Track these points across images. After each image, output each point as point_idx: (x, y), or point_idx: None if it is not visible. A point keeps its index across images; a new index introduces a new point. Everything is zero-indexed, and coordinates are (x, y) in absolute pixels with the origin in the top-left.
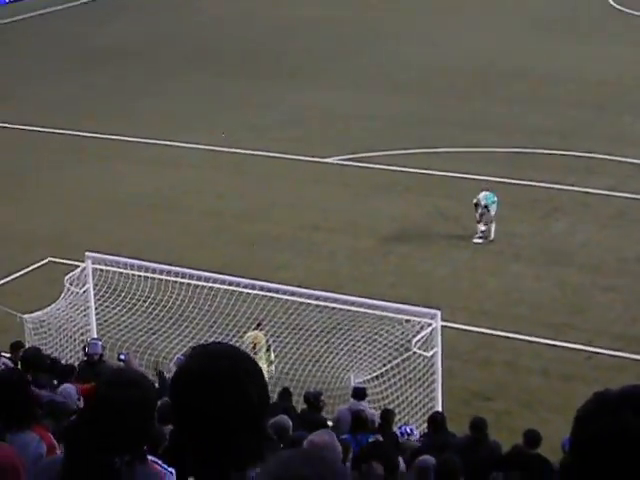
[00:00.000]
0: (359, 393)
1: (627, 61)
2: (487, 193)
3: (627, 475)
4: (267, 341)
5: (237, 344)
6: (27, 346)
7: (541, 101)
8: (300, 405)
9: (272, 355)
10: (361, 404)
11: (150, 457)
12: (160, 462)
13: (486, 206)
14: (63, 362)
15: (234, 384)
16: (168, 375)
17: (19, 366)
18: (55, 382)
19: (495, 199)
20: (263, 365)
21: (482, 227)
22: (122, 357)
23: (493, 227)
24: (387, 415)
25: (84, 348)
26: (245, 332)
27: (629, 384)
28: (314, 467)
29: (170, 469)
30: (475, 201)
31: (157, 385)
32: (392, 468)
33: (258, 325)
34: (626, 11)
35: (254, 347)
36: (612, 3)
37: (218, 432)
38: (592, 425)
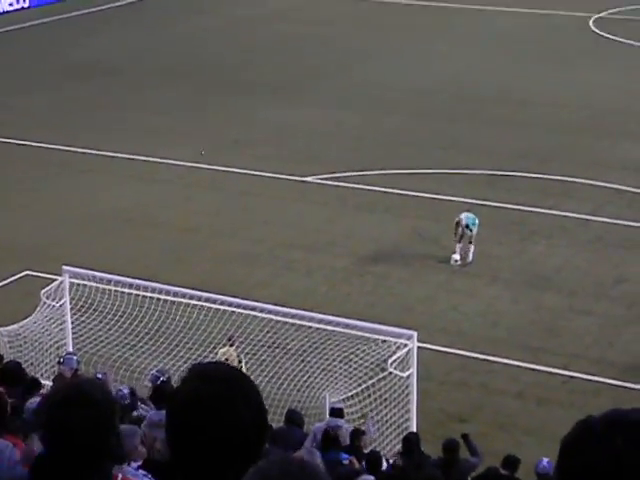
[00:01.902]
0: (336, 412)
1: (607, 86)
2: (468, 214)
3: None
4: (238, 356)
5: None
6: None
7: (521, 125)
8: (275, 423)
9: (244, 370)
10: (339, 421)
11: (122, 470)
12: (132, 472)
13: (467, 226)
14: (38, 376)
15: (228, 407)
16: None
17: None
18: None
19: (476, 222)
20: None
21: (458, 248)
22: (99, 377)
23: (472, 249)
24: (355, 434)
25: (59, 362)
26: (217, 348)
27: (612, 409)
28: (293, 478)
29: (144, 473)
30: (457, 219)
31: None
32: None
33: (229, 340)
34: (607, 36)
35: (226, 360)
36: (593, 28)
37: (210, 455)
38: (580, 455)
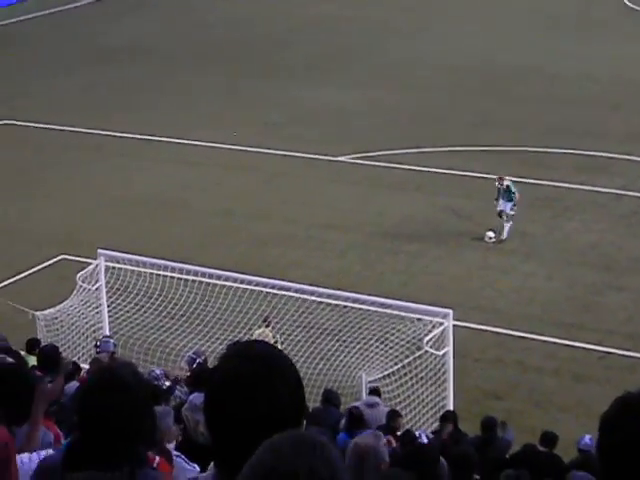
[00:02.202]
0: (373, 391)
1: None
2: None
3: None
4: (274, 336)
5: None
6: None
7: (554, 100)
8: (312, 403)
9: None
10: (375, 399)
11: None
12: (169, 455)
13: (508, 187)
14: (75, 359)
15: (266, 385)
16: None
17: (36, 363)
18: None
19: (515, 198)
20: None
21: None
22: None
23: (508, 226)
24: (391, 416)
25: (96, 345)
26: (253, 329)
27: None
28: (305, 458)
29: (177, 454)
30: (500, 176)
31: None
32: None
33: (265, 321)
34: None
35: None
36: (626, 2)
37: (248, 433)
38: (619, 431)
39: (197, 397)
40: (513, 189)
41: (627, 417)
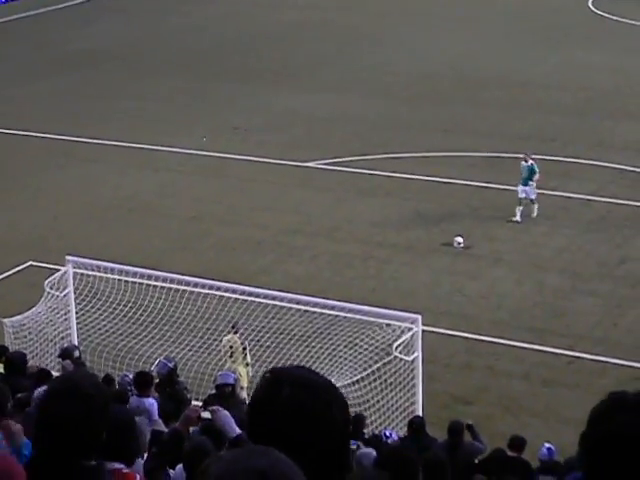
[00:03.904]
0: None
1: (607, 66)
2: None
3: None
4: (242, 343)
5: (215, 348)
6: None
7: (522, 106)
8: None
9: (248, 357)
10: None
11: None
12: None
13: (532, 165)
14: (42, 366)
15: (327, 415)
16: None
17: (2, 370)
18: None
19: (535, 177)
20: (240, 367)
21: (518, 211)
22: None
23: (535, 207)
24: (356, 420)
25: (60, 355)
26: (222, 336)
27: None
28: (267, 459)
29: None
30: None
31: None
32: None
33: (233, 328)
34: (606, 16)
35: (230, 348)
36: (592, 8)
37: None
38: (606, 424)
39: (135, 400)
40: (536, 168)
41: (618, 411)
